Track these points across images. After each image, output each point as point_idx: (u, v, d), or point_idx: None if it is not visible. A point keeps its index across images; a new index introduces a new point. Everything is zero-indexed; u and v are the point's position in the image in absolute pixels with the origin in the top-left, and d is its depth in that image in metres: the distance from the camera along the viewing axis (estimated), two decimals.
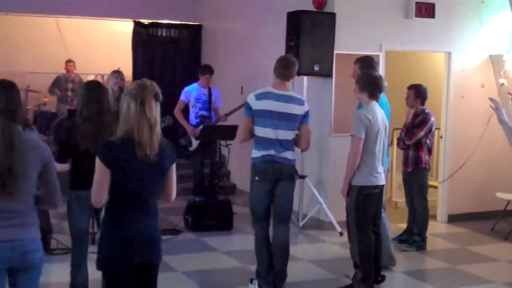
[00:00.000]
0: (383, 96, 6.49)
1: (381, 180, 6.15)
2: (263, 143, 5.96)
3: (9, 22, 12.92)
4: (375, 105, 6.08)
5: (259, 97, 5.98)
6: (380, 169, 6.12)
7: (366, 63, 6.85)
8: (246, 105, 6.04)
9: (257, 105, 5.94)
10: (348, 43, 8.63)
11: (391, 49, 8.97)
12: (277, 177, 6.02)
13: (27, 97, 11.73)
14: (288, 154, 6.02)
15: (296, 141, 6.10)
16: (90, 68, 12.91)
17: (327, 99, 8.78)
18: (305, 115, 6.09)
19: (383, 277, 6.32)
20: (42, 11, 11.78)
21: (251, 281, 6.30)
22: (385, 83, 6.27)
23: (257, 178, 6.03)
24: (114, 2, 11.90)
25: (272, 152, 5.95)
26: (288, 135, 6.00)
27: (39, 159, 3.71)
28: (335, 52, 8.55)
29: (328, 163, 8.78)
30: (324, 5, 8.70)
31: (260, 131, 5.96)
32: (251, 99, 6.00)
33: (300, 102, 6.11)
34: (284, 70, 6.08)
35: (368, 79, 6.12)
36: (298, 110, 6.03)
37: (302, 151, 7.44)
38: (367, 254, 6.12)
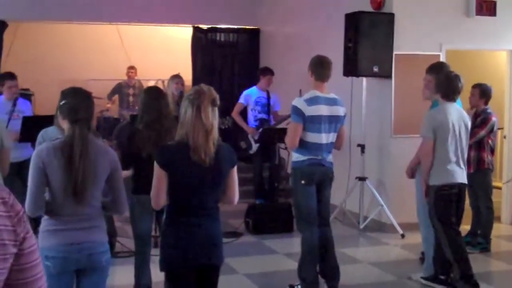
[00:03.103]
0: None
1: (459, 178, 6.08)
2: (311, 148, 5.87)
3: (72, 30, 13.25)
4: (450, 105, 6.01)
5: (309, 102, 5.83)
6: (457, 167, 6.05)
7: (438, 70, 6.65)
8: (296, 110, 5.84)
9: (309, 110, 5.79)
10: (408, 43, 8.55)
11: (452, 48, 8.83)
12: (321, 181, 5.99)
13: None
14: (331, 157, 6.00)
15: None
16: (151, 73, 13.11)
17: (386, 100, 8.71)
18: (345, 116, 6.07)
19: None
20: (104, 19, 12.05)
21: (292, 286, 6.21)
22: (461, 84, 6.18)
23: (303, 181, 5.91)
24: (173, 8, 12.06)
25: (319, 156, 5.90)
26: (334, 137, 5.98)
27: (108, 165, 3.82)
28: (394, 52, 8.48)
29: (389, 164, 8.70)
30: (383, 6, 8.64)
31: (311, 137, 5.84)
32: (301, 104, 5.83)
33: (341, 103, 6.05)
34: (323, 71, 5.96)
35: (444, 81, 6.05)
36: (342, 111, 6.00)
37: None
38: (460, 251, 6.08)
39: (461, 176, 6.09)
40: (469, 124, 6.26)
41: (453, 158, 6.02)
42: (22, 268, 1.72)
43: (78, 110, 3.78)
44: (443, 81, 6.04)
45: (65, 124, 3.83)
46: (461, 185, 6.12)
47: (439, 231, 6.12)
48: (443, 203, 6.03)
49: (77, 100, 3.84)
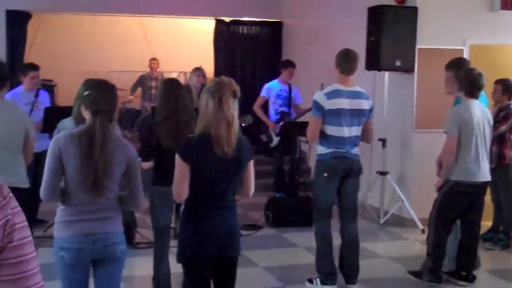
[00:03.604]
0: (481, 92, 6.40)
1: (480, 177, 6.04)
2: (334, 141, 5.87)
3: (95, 22, 13.31)
4: (473, 102, 5.98)
5: (329, 96, 5.83)
6: (480, 165, 6.02)
7: (458, 66, 6.58)
8: (316, 105, 5.86)
9: (328, 104, 5.80)
10: (431, 37, 8.49)
11: (476, 43, 8.74)
12: (346, 173, 5.97)
13: None
14: (356, 150, 5.98)
15: (361, 136, 6.04)
16: (173, 66, 13.15)
17: (409, 95, 8.66)
18: (371, 110, 6.03)
19: (474, 277, 6.25)
20: (127, 11, 12.09)
21: (311, 280, 6.19)
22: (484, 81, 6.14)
23: (325, 174, 5.92)
24: (196, 1, 12.08)
25: (342, 149, 5.89)
26: (358, 131, 5.95)
27: (125, 158, 3.83)
28: (417, 47, 8.42)
29: (410, 159, 8.66)
30: (406, 0, 8.59)
31: (331, 130, 5.84)
32: (320, 98, 5.84)
33: (366, 97, 6.02)
34: (348, 64, 5.94)
35: (466, 78, 6.00)
36: (366, 105, 5.96)
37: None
38: (439, 250, 6.11)
39: (483, 174, 6.05)
40: (492, 121, 6.22)
41: (476, 156, 5.98)
42: (10, 262, 1.64)
43: (100, 102, 3.79)
44: (465, 78, 6.00)
45: (86, 115, 3.84)
46: (481, 184, 6.09)
47: (431, 221, 6.16)
48: (451, 198, 6.02)
49: (100, 92, 3.85)
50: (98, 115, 3.76)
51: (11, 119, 5.28)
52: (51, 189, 3.75)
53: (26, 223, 1.69)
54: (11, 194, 1.68)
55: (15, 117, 5.35)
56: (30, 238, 1.69)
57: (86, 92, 3.87)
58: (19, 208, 1.69)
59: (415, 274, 6.35)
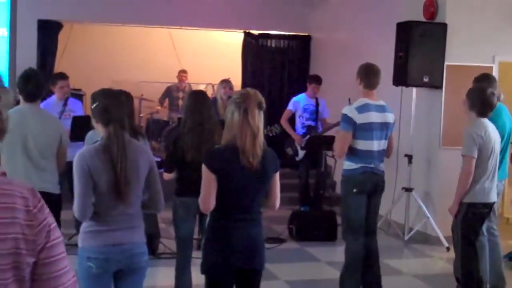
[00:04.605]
0: (504, 107, 6.31)
1: (493, 197, 5.97)
2: (363, 156, 5.82)
3: (124, 32, 13.43)
4: (487, 121, 5.89)
5: (360, 110, 5.79)
6: (492, 185, 5.95)
7: (482, 81, 6.54)
8: (346, 119, 5.79)
9: (360, 118, 5.75)
10: (460, 54, 8.44)
11: (505, 60, 8.67)
12: (373, 190, 5.94)
13: (140, 106, 12.19)
14: (382, 166, 5.96)
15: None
16: (201, 77, 13.21)
17: (436, 111, 8.61)
18: (394, 123, 6.03)
19: None
20: (156, 22, 12.18)
21: None
22: (502, 96, 6.07)
23: (355, 190, 5.86)
24: (225, 13, 12.13)
25: (372, 164, 5.85)
26: (385, 145, 5.94)
27: (147, 163, 3.85)
28: (446, 63, 8.38)
29: (437, 176, 8.59)
30: (435, 16, 8.54)
31: (362, 144, 5.80)
32: (352, 112, 5.78)
33: (390, 110, 6.00)
34: (372, 79, 5.92)
35: (478, 96, 5.89)
36: (391, 118, 5.95)
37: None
38: (470, 271, 5.97)
39: (494, 194, 5.98)
40: (508, 136, 6.14)
41: (492, 176, 5.90)
42: (48, 262, 1.74)
43: (109, 111, 3.78)
44: (478, 98, 5.86)
45: (99, 127, 3.84)
46: (492, 204, 6.03)
47: (458, 246, 6.05)
48: (471, 221, 5.91)
49: (107, 101, 3.84)
50: (110, 124, 3.75)
51: (47, 127, 5.37)
52: (85, 207, 3.72)
53: (56, 224, 1.80)
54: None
55: (51, 124, 5.44)
56: (62, 237, 1.79)
57: (94, 105, 3.86)
58: (48, 209, 1.79)
59: None
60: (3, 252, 1.63)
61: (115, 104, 3.85)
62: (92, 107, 3.88)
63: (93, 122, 3.91)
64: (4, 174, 1.78)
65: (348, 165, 5.93)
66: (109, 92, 3.96)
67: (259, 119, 3.79)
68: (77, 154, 3.80)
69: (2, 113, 1.81)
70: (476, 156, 5.76)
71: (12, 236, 1.63)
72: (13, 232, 1.64)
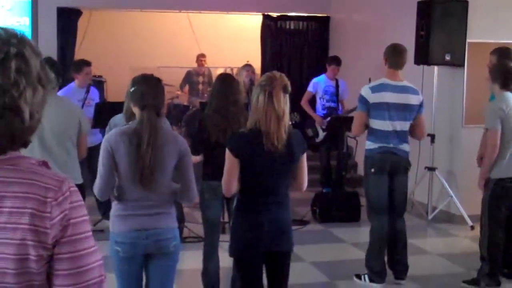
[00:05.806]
0: None
1: None
2: (380, 135, 5.86)
3: (143, 18, 13.45)
4: (508, 95, 5.87)
5: (374, 89, 5.85)
6: None
7: (504, 54, 6.55)
8: (361, 99, 5.89)
9: (373, 98, 5.82)
10: (482, 31, 8.37)
11: None
12: (394, 170, 5.93)
13: None
14: (405, 146, 5.95)
15: (411, 132, 6.00)
16: (220, 61, 13.20)
17: (458, 89, 8.56)
18: (421, 105, 5.98)
19: None
20: (175, 7, 12.19)
21: (359, 276, 6.17)
22: None
23: (372, 170, 5.91)
24: None
25: (390, 144, 5.86)
26: (405, 126, 5.91)
27: (176, 151, 3.87)
28: (468, 40, 8.31)
29: (459, 155, 8.55)
30: None
31: (377, 124, 5.85)
32: (366, 92, 5.87)
33: (415, 92, 5.99)
34: (397, 58, 5.93)
35: (500, 69, 5.92)
36: (414, 100, 5.92)
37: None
38: (496, 248, 5.96)
39: None
40: None
41: None
42: (66, 257, 1.66)
43: (146, 97, 3.84)
44: (499, 70, 5.90)
45: (136, 111, 3.90)
46: None
47: (484, 223, 6.02)
48: (497, 197, 5.88)
49: (146, 87, 3.90)
50: (146, 109, 3.80)
51: (65, 114, 5.32)
52: (105, 187, 3.82)
53: (85, 218, 1.71)
54: (73, 188, 1.71)
55: (69, 111, 5.42)
56: (87, 233, 1.69)
57: (132, 89, 3.93)
58: (80, 203, 1.71)
59: (471, 282, 6.10)
60: (14, 242, 1.59)
61: (152, 90, 3.90)
62: (131, 90, 3.93)
63: (131, 105, 3.94)
64: (43, 163, 1.77)
65: (368, 144, 5.99)
66: (149, 78, 4.00)
67: (284, 102, 3.80)
68: (106, 136, 3.94)
69: (38, 113, 1.71)
70: (499, 128, 5.75)
71: (22, 226, 1.59)
72: (24, 222, 1.59)
